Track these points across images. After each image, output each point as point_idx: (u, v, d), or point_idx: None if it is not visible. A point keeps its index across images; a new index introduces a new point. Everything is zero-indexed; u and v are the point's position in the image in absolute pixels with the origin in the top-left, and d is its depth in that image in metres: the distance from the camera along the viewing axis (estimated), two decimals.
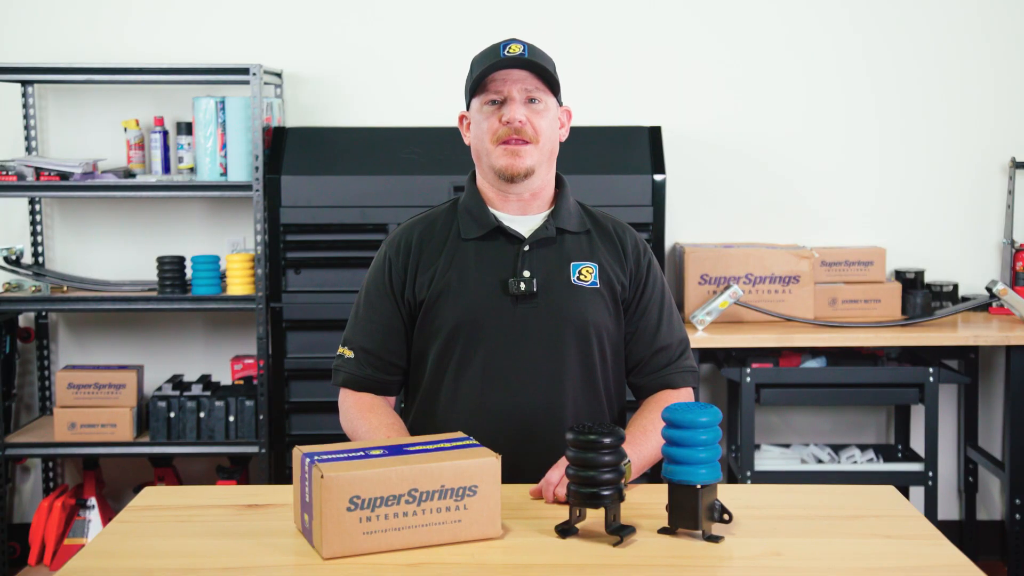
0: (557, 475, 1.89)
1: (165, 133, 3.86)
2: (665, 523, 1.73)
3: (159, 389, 3.77)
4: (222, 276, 3.74)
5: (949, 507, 4.07)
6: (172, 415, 3.68)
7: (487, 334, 2.08)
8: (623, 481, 1.70)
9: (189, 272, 3.76)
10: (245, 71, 3.57)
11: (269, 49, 3.93)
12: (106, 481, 4.00)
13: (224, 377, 3.97)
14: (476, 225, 2.14)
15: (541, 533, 1.72)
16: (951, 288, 3.88)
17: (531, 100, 2.09)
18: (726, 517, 1.70)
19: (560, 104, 2.16)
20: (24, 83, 3.87)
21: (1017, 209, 4.00)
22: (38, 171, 3.63)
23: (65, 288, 3.79)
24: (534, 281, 2.08)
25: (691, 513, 1.69)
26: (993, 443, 4.05)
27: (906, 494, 3.79)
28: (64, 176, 3.62)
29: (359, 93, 3.97)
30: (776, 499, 1.94)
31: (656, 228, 3.59)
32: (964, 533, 4.00)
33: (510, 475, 1.90)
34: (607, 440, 1.68)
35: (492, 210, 2.15)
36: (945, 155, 4.01)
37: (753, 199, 4.01)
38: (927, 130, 4.00)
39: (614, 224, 2.22)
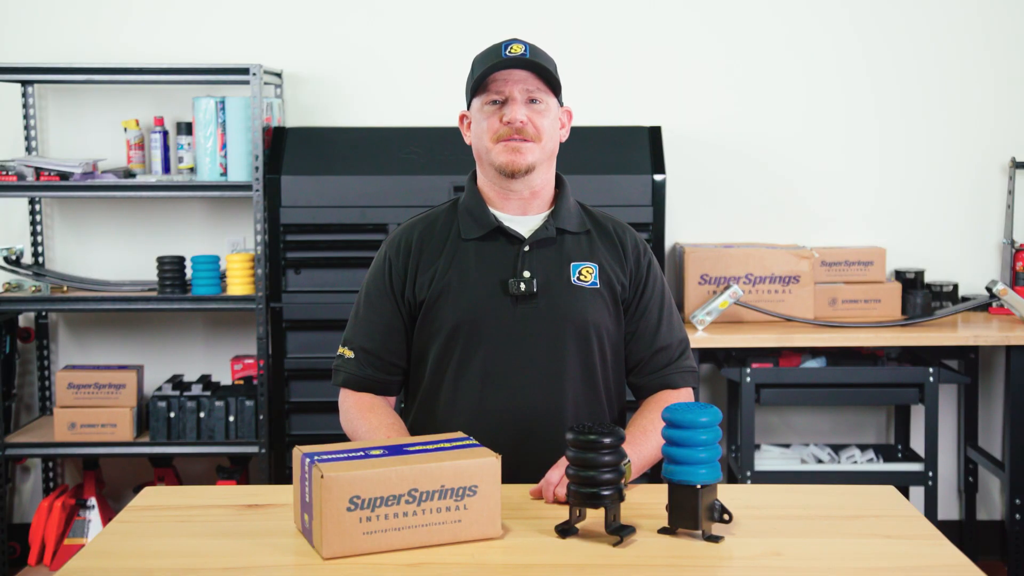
0: (557, 475, 1.89)
1: (165, 133, 3.86)
2: (665, 523, 1.73)
3: (159, 389, 3.77)
4: (222, 276, 3.74)
5: (949, 507, 4.07)
6: (172, 415, 3.68)
7: (487, 334, 2.08)
8: (623, 481, 1.70)
9: (189, 272, 3.76)
10: (245, 71, 3.57)
11: (269, 49, 3.93)
12: (106, 481, 4.00)
13: (224, 377, 3.97)
14: (476, 225, 2.14)
15: (541, 533, 1.72)
16: (951, 288, 3.88)
17: (532, 100, 2.09)
18: (726, 517, 1.70)
19: (561, 105, 2.16)
20: (24, 83, 3.87)
21: (1017, 209, 4.00)
22: (38, 171, 3.63)
23: (65, 288, 3.79)
24: (534, 281, 2.08)
25: (691, 513, 1.69)
26: (993, 443, 4.05)
27: (906, 494, 3.79)
28: (64, 176, 3.62)
29: (359, 93, 3.97)
30: (776, 499, 1.94)
31: (656, 228, 3.59)
32: (964, 533, 4.00)
33: (510, 475, 1.90)
34: (607, 440, 1.68)
35: (492, 210, 2.15)
36: (945, 155, 4.01)
37: (753, 199, 4.01)
38: (927, 130, 4.00)
39: (614, 224, 2.22)
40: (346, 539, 1.61)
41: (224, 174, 3.70)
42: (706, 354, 3.73)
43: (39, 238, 3.94)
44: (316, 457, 1.66)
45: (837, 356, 3.72)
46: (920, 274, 3.89)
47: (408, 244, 2.16)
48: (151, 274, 3.87)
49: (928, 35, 3.97)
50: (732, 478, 3.86)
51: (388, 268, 2.16)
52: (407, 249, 2.16)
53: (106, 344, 4.02)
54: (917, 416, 3.96)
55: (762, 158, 4.00)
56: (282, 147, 3.67)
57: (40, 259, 3.94)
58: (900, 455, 3.96)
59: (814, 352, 3.71)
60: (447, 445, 1.75)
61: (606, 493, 1.68)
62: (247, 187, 3.63)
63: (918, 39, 3.98)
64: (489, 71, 2.08)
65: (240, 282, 3.68)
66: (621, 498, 1.69)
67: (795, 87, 4.00)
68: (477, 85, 2.10)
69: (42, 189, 3.62)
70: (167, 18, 3.93)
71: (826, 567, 1.62)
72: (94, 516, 3.82)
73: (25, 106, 3.88)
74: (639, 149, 3.69)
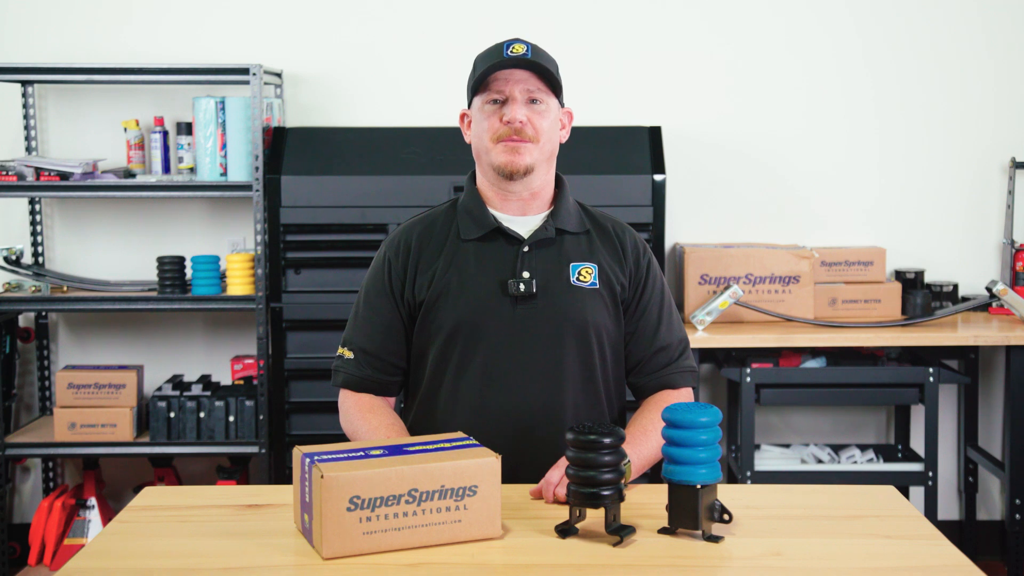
0: (557, 475, 1.89)
1: (165, 133, 3.86)
2: (665, 523, 1.73)
3: (159, 389, 3.77)
4: (222, 276, 3.74)
5: (949, 507, 4.07)
6: (172, 415, 3.68)
7: (487, 335, 2.08)
8: (623, 481, 1.70)
9: (189, 272, 3.76)
10: (245, 71, 3.57)
11: (269, 49, 3.93)
12: (106, 481, 4.00)
13: (224, 377, 3.97)
14: (475, 226, 2.14)
15: (541, 533, 1.72)
16: (951, 288, 3.88)
17: (532, 101, 2.09)
18: (726, 517, 1.70)
19: (562, 105, 2.16)
20: (24, 83, 3.87)
21: (1017, 209, 4.00)
22: (38, 171, 3.63)
23: (65, 288, 3.79)
24: (533, 282, 2.08)
25: (691, 513, 1.69)
26: (993, 443, 4.05)
27: (906, 494, 3.79)
28: (64, 176, 3.62)
29: (359, 93, 3.97)
30: (776, 499, 1.94)
31: (656, 228, 3.59)
32: (964, 533, 4.00)
33: (510, 475, 1.90)
34: (607, 440, 1.68)
35: (492, 211, 2.15)
36: (945, 155, 4.01)
37: (753, 199, 4.01)
38: (927, 130, 4.01)
39: (614, 224, 2.22)
40: (346, 539, 1.61)
41: (224, 174, 3.70)
42: (706, 354, 3.74)
43: (39, 238, 3.95)
44: (316, 457, 1.66)
45: (837, 356, 3.72)
46: (920, 274, 3.89)
47: (407, 244, 2.16)
48: (151, 274, 3.87)
49: (928, 35, 3.97)
50: (732, 478, 3.86)
51: (387, 268, 2.16)
52: (406, 250, 2.16)
53: (106, 344, 4.02)
54: (917, 416, 3.96)
55: (762, 158, 4.00)
56: (282, 147, 3.67)
57: (40, 259, 3.94)
58: (900, 455, 3.96)
59: (814, 352, 3.71)
60: (447, 445, 1.75)
61: (606, 493, 1.68)
62: (247, 187, 3.63)
63: (918, 39, 3.98)
64: (490, 70, 2.08)
65: (240, 282, 3.68)
66: (621, 498, 1.69)
67: (795, 87, 4.00)
68: (478, 84, 2.10)
69: (42, 189, 3.62)
70: (167, 18, 3.93)
71: (826, 567, 1.62)
72: (94, 516, 3.82)
73: (25, 106, 3.88)
74: (639, 149, 3.69)
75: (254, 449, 3.67)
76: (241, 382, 3.83)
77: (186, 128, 3.83)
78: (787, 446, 3.97)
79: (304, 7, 3.94)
